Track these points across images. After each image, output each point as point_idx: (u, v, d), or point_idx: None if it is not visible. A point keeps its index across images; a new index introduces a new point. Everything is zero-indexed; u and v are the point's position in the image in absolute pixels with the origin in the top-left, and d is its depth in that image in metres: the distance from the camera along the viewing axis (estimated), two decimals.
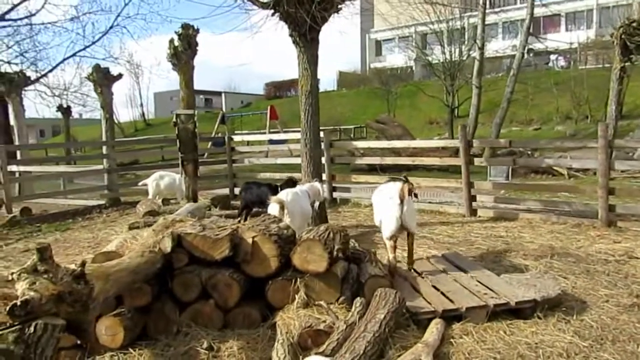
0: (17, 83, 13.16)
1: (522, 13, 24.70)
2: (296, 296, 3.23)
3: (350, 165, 12.25)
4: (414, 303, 3.33)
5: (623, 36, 9.86)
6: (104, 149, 10.01)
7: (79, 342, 2.76)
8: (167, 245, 3.19)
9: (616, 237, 5.64)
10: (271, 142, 15.61)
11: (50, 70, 16.01)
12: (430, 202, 7.97)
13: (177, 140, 7.55)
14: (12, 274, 2.24)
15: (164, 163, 14.40)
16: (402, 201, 3.93)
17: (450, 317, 3.21)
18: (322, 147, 7.46)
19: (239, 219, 6.02)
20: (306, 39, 5.78)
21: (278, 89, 44.78)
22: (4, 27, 14.89)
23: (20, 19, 15.20)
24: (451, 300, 3.36)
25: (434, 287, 3.65)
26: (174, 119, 7.51)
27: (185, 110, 9.28)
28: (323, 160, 7.63)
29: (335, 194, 8.63)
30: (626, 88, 14.11)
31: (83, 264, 2.46)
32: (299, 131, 6.43)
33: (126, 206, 9.02)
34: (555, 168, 12.29)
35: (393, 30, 36.60)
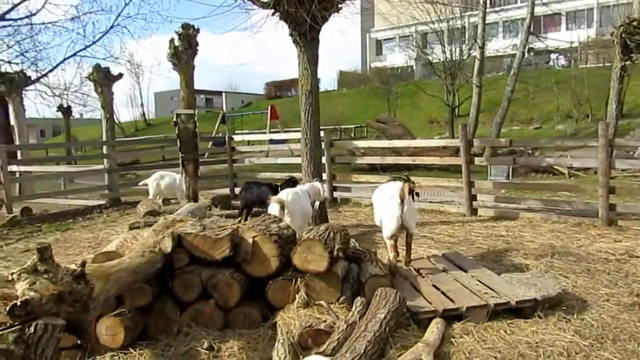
0: (17, 83, 13.17)
1: (522, 12, 24.69)
2: (297, 296, 3.23)
3: (350, 164, 12.25)
4: (415, 302, 3.33)
5: (623, 35, 9.85)
6: (105, 149, 10.01)
7: (79, 342, 2.76)
8: (168, 245, 3.19)
9: (617, 236, 5.64)
10: (272, 141, 15.61)
11: (51, 70, 16.05)
12: (430, 202, 7.97)
13: (178, 140, 7.55)
14: (12, 274, 2.24)
15: (164, 163, 14.39)
16: (402, 201, 3.93)
17: (451, 316, 3.21)
18: (323, 146, 7.46)
19: (239, 218, 6.02)
20: (306, 38, 5.78)
21: (278, 89, 44.77)
22: (5, 26, 14.91)
23: (21, 18, 15.23)
24: (452, 300, 3.36)
25: (435, 286, 3.65)
26: (175, 119, 7.50)
27: (186, 110, 9.28)
28: (323, 159, 7.63)
29: (335, 194, 8.63)
30: (627, 87, 14.07)
31: (83, 264, 2.46)
32: (299, 131, 6.43)
33: (127, 206, 9.03)
34: (555, 167, 12.28)
35: (393, 30, 36.58)
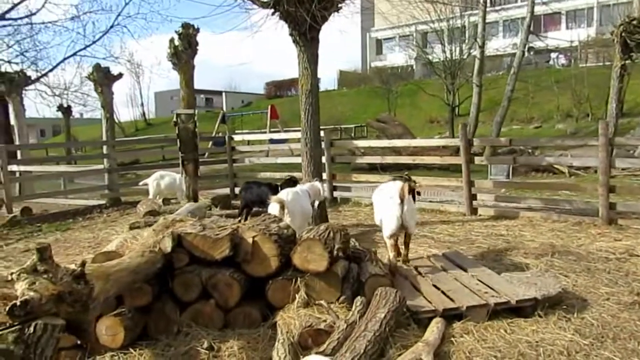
0: (17, 82, 13.17)
1: (522, 11, 24.68)
2: (297, 296, 3.23)
3: (350, 164, 12.25)
4: (415, 302, 3.33)
5: (623, 34, 9.84)
6: (105, 149, 10.01)
7: (79, 342, 2.76)
8: (168, 245, 3.18)
9: (617, 235, 5.63)
10: (272, 141, 15.60)
11: (51, 70, 16.06)
12: (430, 201, 7.96)
13: (178, 140, 7.54)
14: (12, 274, 2.24)
15: (164, 163, 14.39)
16: (402, 201, 3.93)
17: (451, 316, 3.21)
18: (323, 146, 7.46)
19: (239, 218, 6.02)
20: (306, 38, 5.77)
21: (278, 88, 44.76)
22: (4, 26, 14.92)
23: (21, 18, 15.23)
24: (452, 299, 3.35)
25: (435, 286, 3.65)
26: (175, 119, 7.50)
27: (186, 109, 9.28)
28: (323, 159, 7.63)
29: (335, 193, 8.63)
30: (627, 86, 14.06)
31: (83, 264, 2.46)
32: (299, 130, 6.43)
33: (127, 206, 9.03)
34: (556, 166, 12.28)
35: (394, 29, 36.56)
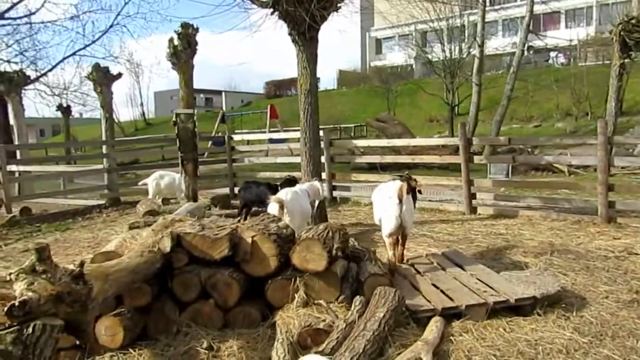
0: (16, 82, 13.16)
1: (522, 10, 24.64)
2: (296, 295, 3.23)
3: (350, 164, 12.25)
4: (414, 301, 3.33)
5: (622, 33, 9.84)
6: (104, 149, 10.01)
7: (78, 342, 2.76)
8: (167, 245, 3.18)
9: (616, 233, 5.64)
10: (271, 141, 15.60)
11: (50, 69, 16.03)
12: (430, 200, 7.96)
13: (177, 140, 7.54)
14: (11, 274, 2.24)
15: (164, 162, 14.40)
16: (400, 201, 3.94)
17: (450, 315, 3.21)
18: (322, 145, 7.46)
19: (238, 218, 6.02)
20: (305, 37, 5.77)
21: (278, 88, 44.75)
22: (4, 25, 14.90)
23: (20, 17, 15.22)
24: (451, 298, 3.36)
25: (434, 285, 3.65)
26: (174, 119, 7.50)
27: (185, 109, 9.27)
28: (323, 159, 7.63)
29: (335, 193, 8.63)
30: (626, 85, 14.10)
31: (82, 264, 2.46)
32: (299, 130, 6.43)
33: (126, 206, 9.03)
34: (555, 165, 12.29)
35: (393, 29, 36.50)
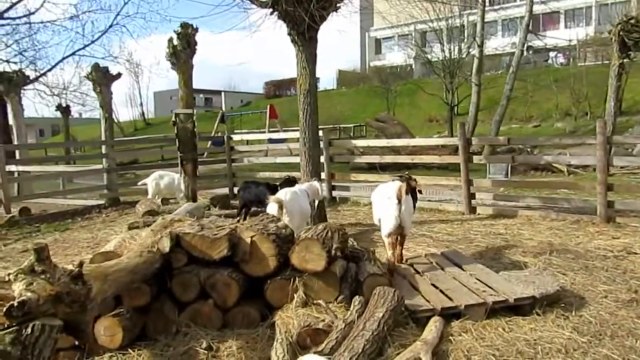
0: (16, 82, 13.15)
1: (521, 10, 24.65)
2: (295, 295, 3.22)
3: (349, 164, 12.25)
4: (413, 301, 3.33)
5: (621, 33, 9.86)
6: (103, 149, 10.00)
7: (77, 342, 2.76)
8: (166, 245, 3.18)
9: (615, 233, 5.65)
10: (270, 141, 15.61)
11: (50, 69, 16.02)
12: (429, 200, 7.97)
13: (177, 140, 7.54)
14: (9, 274, 2.24)
15: (163, 163, 14.41)
16: (399, 200, 3.95)
17: (449, 314, 3.21)
18: (321, 145, 7.46)
19: (237, 218, 6.02)
20: (304, 37, 5.77)
21: (278, 88, 44.74)
22: (3, 25, 14.89)
23: (19, 17, 15.21)
24: (450, 298, 3.36)
25: (433, 285, 3.65)
26: (173, 119, 7.50)
27: (185, 109, 9.27)
28: (322, 159, 7.63)
29: (334, 193, 8.63)
30: (625, 84, 14.11)
31: (80, 264, 2.45)
32: (298, 130, 6.43)
33: (125, 206, 9.02)
34: (554, 165, 12.30)
35: (393, 29, 36.50)
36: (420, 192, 4.69)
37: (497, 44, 30.98)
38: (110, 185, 9.60)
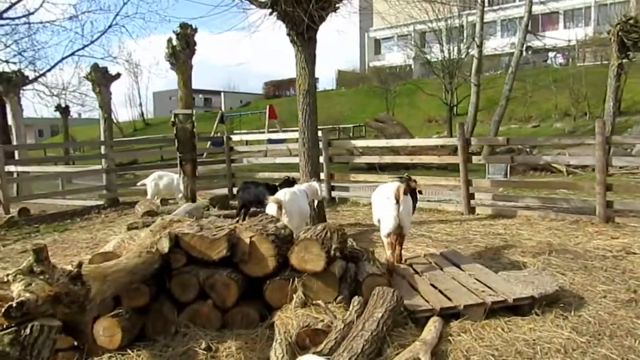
0: (15, 82, 13.15)
1: (520, 11, 24.69)
2: (294, 296, 3.23)
3: (349, 164, 12.26)
4: (412, 301, 3.33)
5: (620, 33, 9.88)
6: (103, 149, 10.00)
7: (76, 343, 2.76)
8: (165, 245, 3.18)
9: (614, 233, 5.66)
10: (270, 141, 15.61)
11: (49, 70, 15.98)
12: (428, 200, 7.97)
13: (176, 140, 7.54)
14: (8, 275, 2.24)
15: (162, 163, 14.39)
16: (397, 201, 3.96)
17: (448, 314, 3.22)
18: (321, 146, 7.46)
19: (237, 218, 6.02)
20: (304, 38, 5.77)
21: (277, 88, 44.74)
22: (2, 25, 14.86)
23: (18, 17, 15.18)
24: (449, 298, 3.36)
25: (432, 285, 3.65)
26: (173, 119, 7.50)
27: (184, 109, 9.27)
28: (321, 159, 7.63)
29: (334, 193, 8.63)
30: (624, 85, 14.13)
31: (79, 264, 2.45)
32: (297, 130, 6.43)
33: (125, 206, 9.02)
34: (553, 165, 12.31)
35: (392, 29, 36.55)
36: (420, 192, 4.70)
37: (496, 44, 31.00)
38: (110, 186, 9.60)
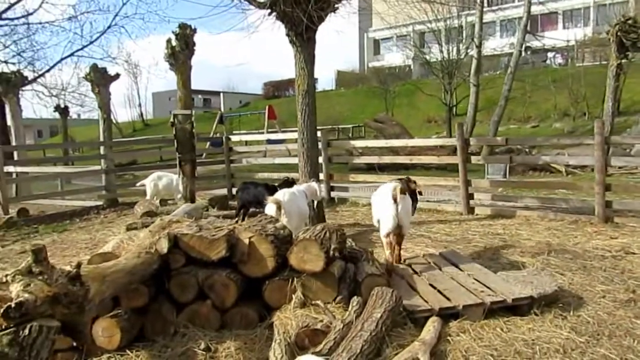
0: (14, 83, 13.14)
1: (519, 11, 24.71)
2: (293, 296, 3.23)
3: (348, 164, 12.26)
4: (411, 301, 3.33)
5: (619, 33, 9.90)
6: (102, 150, 9.99)
7: (75, 344, 2.75)
8: (164, 246, 3.18)
9: (613, 233, 5.66)
10: (269, 142, 15.62)
11: (48, 70, 15.96)
12: (428, 201, 7.96)
13: (175, 141, 7.54)
14: (7, 275, 2.24)
15: (162, 163, 14.39)
16: (395, 200, 3.97)
17: (447, 315, 3.22)
18: (320, 146, 7.47)
19: (236, 219, 6.02)
20: (303, 38, 5.78)
21: (276, 89, 44.73)
22: (1, 26, 14.85)
23: (17, 18, 15.16)
24: (448, 298, 3.36)
25: (431, 285, 3.65)
26: (172, 119, 7.50)
27: (183, 110, 9.27)
28: (320, 159, 7.63)
29: (333, 194, 8.63)
30: (623, 85, 14.14)
31: (78, 265, 2.45)
32: (297, 131, 6.43)
33: (124, 207, 9.01)
34: (552, 165, 12.32)
35: (391, 29, 36.60)
36: (420, 194, 4.71)
37: (495, 44, 31.01)
38: (109, 186, 9.59)
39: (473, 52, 19.93)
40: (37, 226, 7.75)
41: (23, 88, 14.20)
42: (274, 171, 10.80)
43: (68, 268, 2.41)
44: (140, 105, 45.10)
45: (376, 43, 45.77)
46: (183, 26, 11.73)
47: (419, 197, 4.74)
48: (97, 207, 9.08)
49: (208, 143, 17.85)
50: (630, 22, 10.00)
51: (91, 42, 15.44)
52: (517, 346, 2.88)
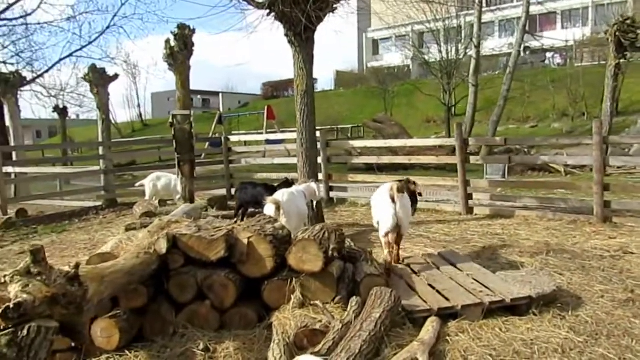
0: (13, 83, 13.14)
1: (518, 11, 24.74)
2: (292, 296, 3.23)
3: (347, 164, 12.27)
4: (410, 302, 3.33)
5: (617, 33, 9.92)
6: (101, 150, 9.99)
7: (73, 344, 2.75)
8: (163, 246, 3.18)
9: (611, 233, 5.67)
10: (268, 142, 15.62)
11: (47, 71, 15.94)
12: (427, 201, 7.96)
13: (174, 141, 7.54)
14: (5, 276, 2.23)
15: (161, 164, 14.39)
16: (392, 199, 3.98)
17: (446, 315, 3.22)
18: (319, 146, 7.47)
19: (235, 219, 6.02)
20: (301, 38, 5.78)
21: (275, 89, 44.72)
22: (0, 26, 14.83)
23: (16, 18, 15.14)
24: (447, 299, 3.36)
25: (430, 285, 3.66)
26: (171, 120, 7.50)
27: (182, 110, 9.27)
28: (320, 160, 7.63)
29: (332, 194, 8.63)
30: (621, 85, 14.16)
31: (77, 265, 2.45)
32: (296, 131, 6.44)
33: (123, 207, 9.01)
34: (551, 165, 12.34)
35: (390, 30, 36.60)
36: (420, 194, 4.71)
37: (494, 44, 31.02)
38: (108, 187, 9.59)
39: (472, 52, 19.95)
40: (36, 227, 7.74)
41: (22, 88, 14.20)
42: (273, 171, 10.80)
43: (67, 269, 2.41)
44: (139, 105, 45.10)
45: (375, 43, 45.79)
46: (182, 26, 11.74)
47: (418, 198, 4.74)
48: (96, 208, 9.08)
49: (207, 143, 17.83)
50: (628, 22, 10.03)
51: (90, 43, 15.44)
52: (516, 346, 2.89)
